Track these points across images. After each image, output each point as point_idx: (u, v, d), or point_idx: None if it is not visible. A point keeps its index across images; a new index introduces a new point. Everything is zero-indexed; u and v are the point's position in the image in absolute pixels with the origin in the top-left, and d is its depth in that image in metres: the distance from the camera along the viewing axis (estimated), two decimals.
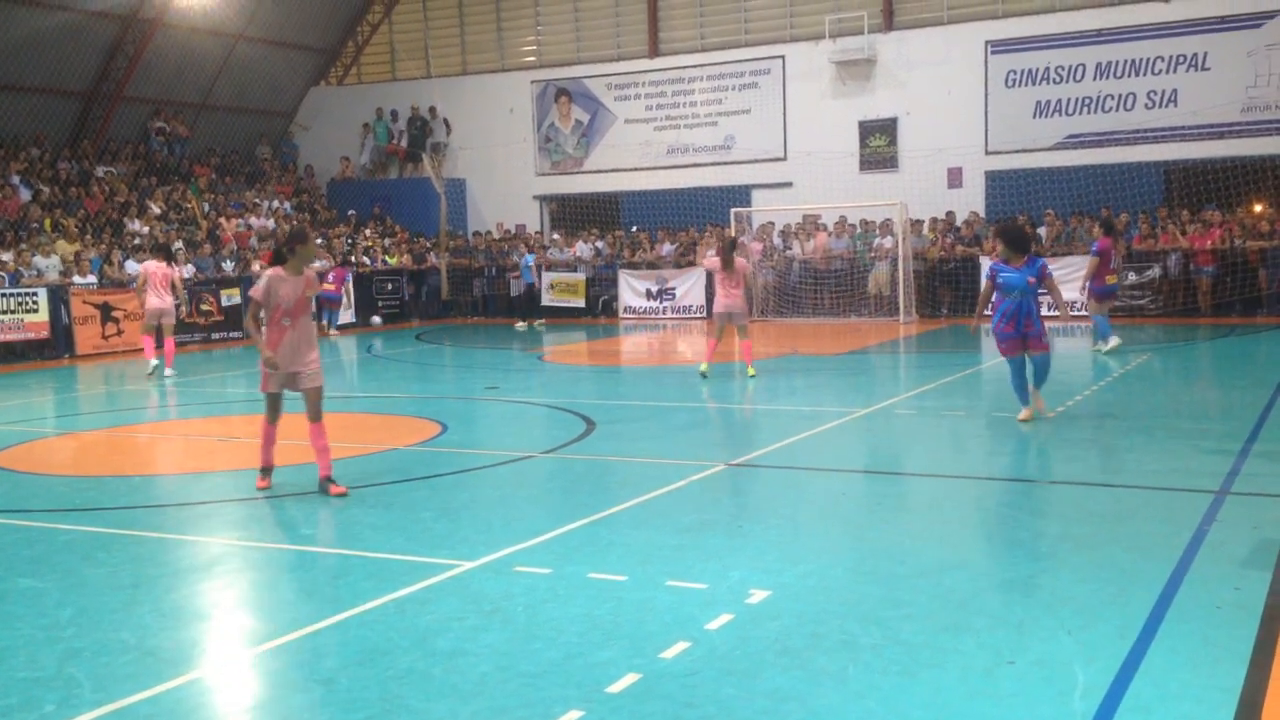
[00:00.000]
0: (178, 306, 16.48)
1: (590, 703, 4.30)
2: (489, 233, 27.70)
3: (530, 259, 24.39)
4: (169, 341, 16.17)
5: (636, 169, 27.06)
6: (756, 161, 25.93)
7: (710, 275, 14.15)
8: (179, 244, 22.50)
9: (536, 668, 4.67)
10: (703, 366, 13.94)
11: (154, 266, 16.15)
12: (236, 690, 4.72)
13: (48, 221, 21.84)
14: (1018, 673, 4.49)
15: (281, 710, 4.37)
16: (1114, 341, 15.28)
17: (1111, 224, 16.47)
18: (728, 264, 13.61)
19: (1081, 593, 5.44)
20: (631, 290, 24.83)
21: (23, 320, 18.66)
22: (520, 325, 23.54)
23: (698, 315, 24.09)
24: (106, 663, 4.87)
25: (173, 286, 16.11)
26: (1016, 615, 5.16)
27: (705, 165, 26.46)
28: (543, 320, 24.03)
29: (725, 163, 26.26)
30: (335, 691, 4.49)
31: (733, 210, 23.69)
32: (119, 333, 19.92)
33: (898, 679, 4.47)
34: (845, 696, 4.33)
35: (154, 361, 15.89)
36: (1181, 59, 22.44)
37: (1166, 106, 22.57)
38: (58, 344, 19.16)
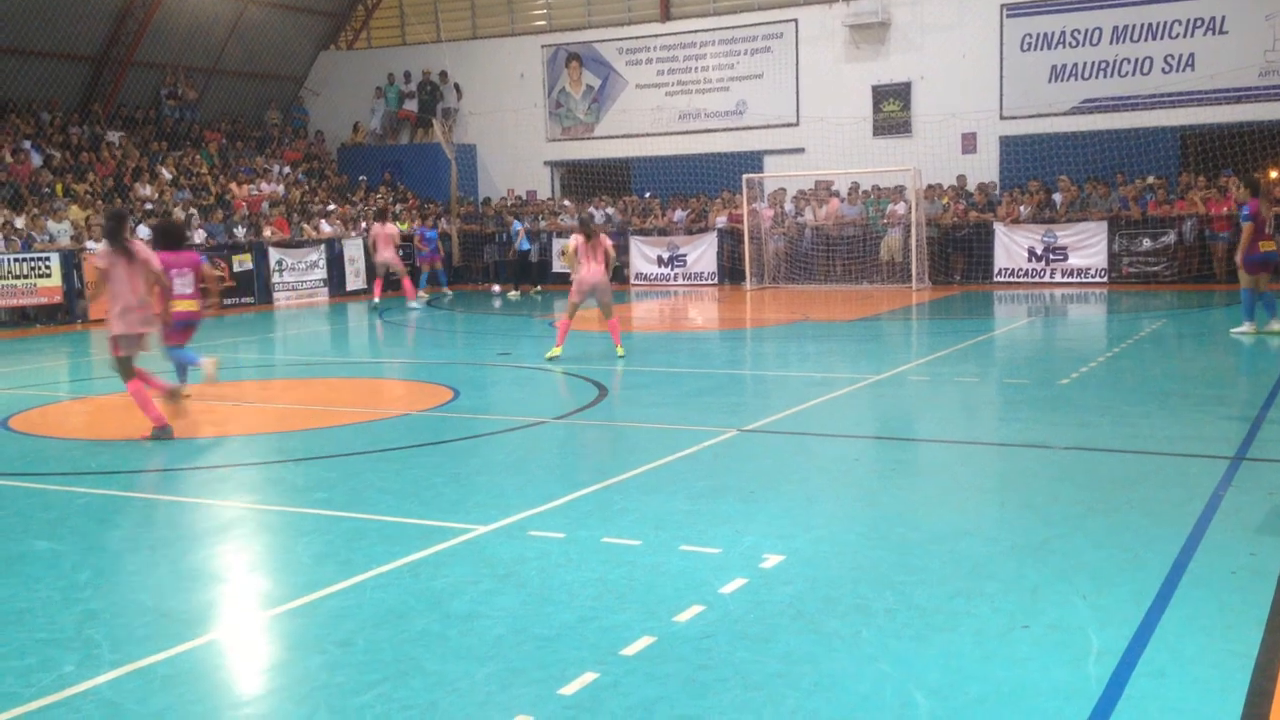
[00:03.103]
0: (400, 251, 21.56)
1: (605, 665, 4.32)
2: (489, 199, 27.60)
3: (519, 225, 24.28)
4: (405, 281, 21.11)
5: (648, 134, 26.88)
6: (769, 127, 25.73)
7: (578, 251, 13.00)
8: (193, 210, 22.50)
9: (551, 631, 4.69)
10: (557, 351, 12.96)
11: (379, 228, 21.20)
12: (254, 651, 4.75)
13: (59, 186, 21.83)
14: (1032, 637, 4.50)
15: (299, 671, 4.40)
16: (1275, 325, 13.21)
17: (1258, 184, 14.15)
18: (588, 236, 12.99)
19: (1096, 558, 5.44)
20: (642, 256, 24.76)
21: (35, 285, 18.71)
22: (514, 294, 23.39)
23: (709, 282, 24.03)
24: (125, 624, 4.91)
25: (392, 240, 20.99)
26: (1030, 580, 5.16)
27: (717, 131, 26.28)
28: (517, 290, 23.77)
29: (737, 128, 26.07)
30: (352, 653, 4.52)
31: (744, 176, 23.55)
32: None
33: (911, 643, 4.48)
34: (859, 660, 4.34)
35: (376, 300, 20.91)
36: (1199, 22, 22.17)
37: (1183, 71, 22.32)
38: (70, 308, 19.21)
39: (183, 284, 10.88)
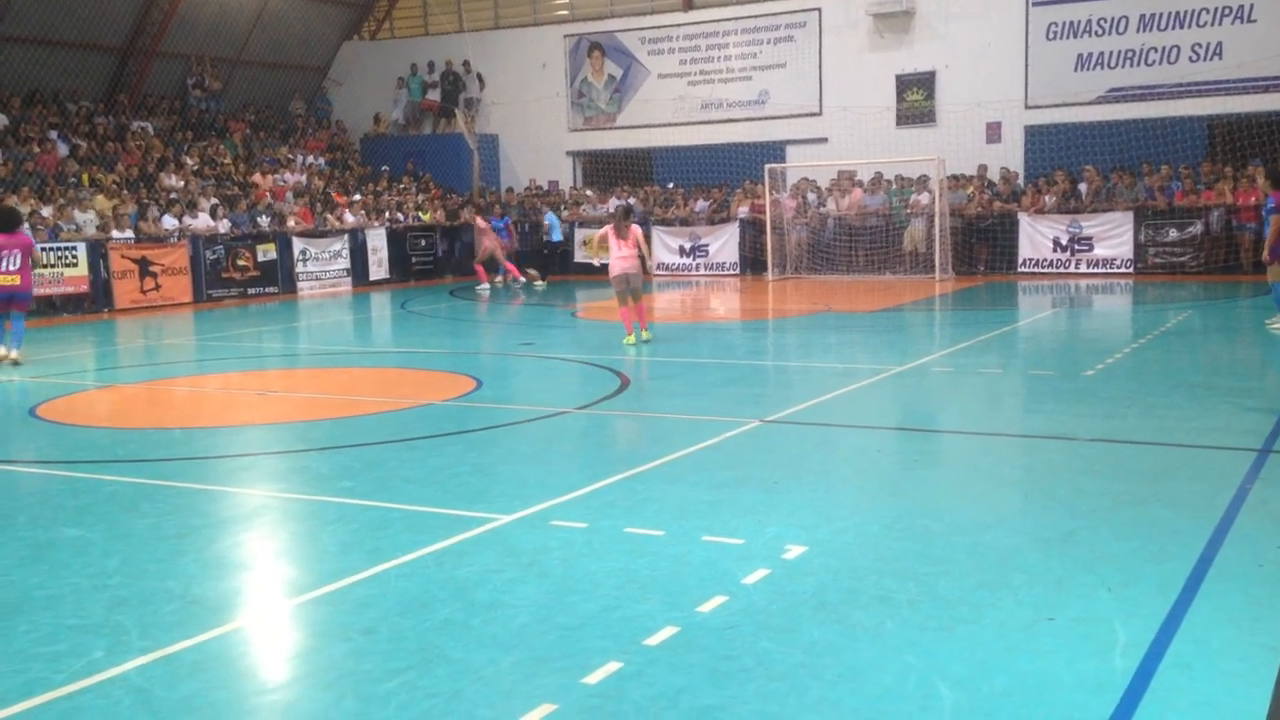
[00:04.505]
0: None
1: (628, 654, 4.33)
2: (512, 189, 27.62)
3: (553, 216, 24.30)
4: (509, 266, 23.10)
5: (670, 124, 26.83)
6: (791, 117, 25.64)
7: (609, 239, 13.60)
8: (215, 200, 22.62)
9: (575, 620, 4.71)
10: (631, 338, 13.29)
11: (481, 221, 23.23)
12: (279, 639, 4.79)
13: (85, 176, 21.99)
14: (1057, 629, 4.48)
15: (324, 659, 4.43)
16: None
17: None
18: (620, 230, 13.46)
19: (1121, 550, 5.41)
20: (664, 247, 24.74)
21: (62, 274, 18.86)
22: (540, 284, 23.43)
23: (731, 272, 24.00)
24: (153, 611, 4.95)
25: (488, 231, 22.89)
26: (1055, 572, 5.14)
27: (739, 121, 26.20)
28: (544, 280, 23.83)
29: (760, 118, 25.99)
30: (376, 641, 4.55)
31: (767, 166, 23.48)
32: (157, 287, 20.10)
33: (936, 634, 4.47)
34: (883, 651, 4.33)
35: (489, 284, 22.79)
36: (1226, 11, 21.93)
37: (1211, 59, 22.09)
38: (96, 298, 19.36)
39: (9, 262, 12.69)
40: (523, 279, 23.09)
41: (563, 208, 26.15)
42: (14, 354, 12.81)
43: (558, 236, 24.21)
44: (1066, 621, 4.55)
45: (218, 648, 4.57)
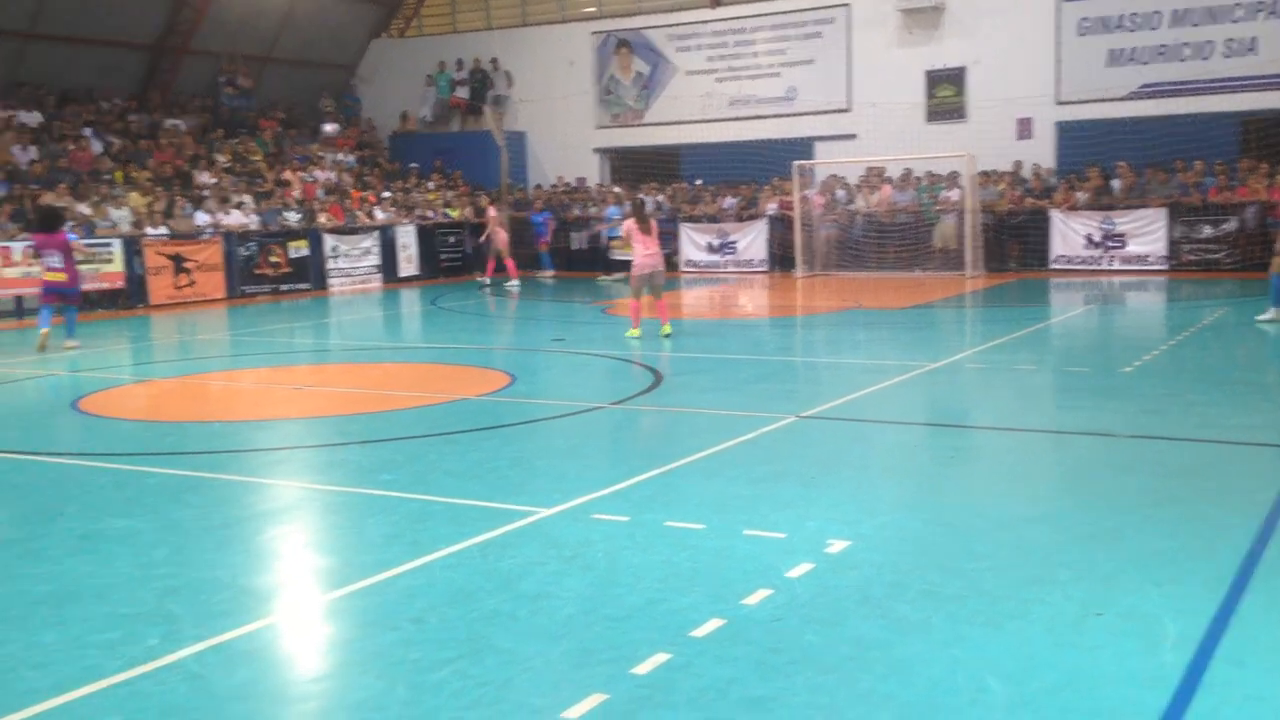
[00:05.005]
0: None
1: (676, 646, 4.35)
2: (540, 186, 27.67)
3: (615, 212, 24.32)
4: (508, 262, 22.72)
5: (697, 121, 26.80)
6: (820, 113, 25.56)
7: (631, 235, 13.82)
8: (247, 197, 22.77)
9: (620, 612, 4.73)
10: (635, 331, 13.64)
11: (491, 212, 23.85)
12: (329, 627, 4.83)
13: (119, 174, 22.18)
14: (1106, 624, 4.46)
15: (374, 646, 4.47)
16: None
17: None
18: (644, 226, 13.63)
19: (1168, 546, 5.39)
20: (692, 244, 24.74)
21: (98, 270, 19.03)
22: (604, 279, 23.61)
23: (759, 269, 23.96)
24: (204, 600, 5.01)
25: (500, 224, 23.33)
26: (1102, 568, 5.12)
27: (767, 117, 26.13)
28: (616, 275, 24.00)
29: (788, 114, 25.92)
30: (425, 630, 4.59)
31: (795, 163, 23.43)
32: (191, 283, 20.26)
33: (983, 629, 4.46)
34: (931, 645, 4.33)
35: (487, 279, 23.20)
36: (1261, 6, 21.71)
37: (1245, 55, 21.88)
38: (132, 294, 19.54)
39: (51, 260, 13.73)
40: (516, 280, 22.62)
41: (589, 205, 26.17)
42: (69, 342, 13.81)
43: (615, 233, 24.29)
44: (1115, 617, 4.54)
45: (269, 636, 4.63)
